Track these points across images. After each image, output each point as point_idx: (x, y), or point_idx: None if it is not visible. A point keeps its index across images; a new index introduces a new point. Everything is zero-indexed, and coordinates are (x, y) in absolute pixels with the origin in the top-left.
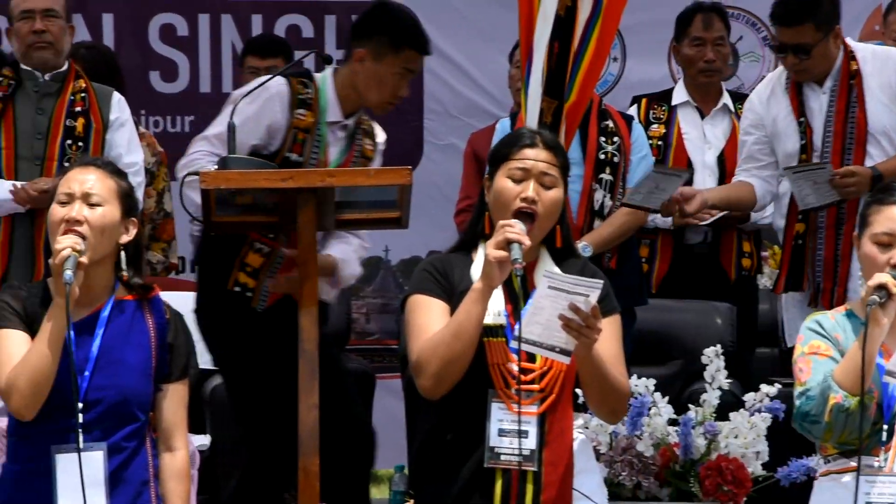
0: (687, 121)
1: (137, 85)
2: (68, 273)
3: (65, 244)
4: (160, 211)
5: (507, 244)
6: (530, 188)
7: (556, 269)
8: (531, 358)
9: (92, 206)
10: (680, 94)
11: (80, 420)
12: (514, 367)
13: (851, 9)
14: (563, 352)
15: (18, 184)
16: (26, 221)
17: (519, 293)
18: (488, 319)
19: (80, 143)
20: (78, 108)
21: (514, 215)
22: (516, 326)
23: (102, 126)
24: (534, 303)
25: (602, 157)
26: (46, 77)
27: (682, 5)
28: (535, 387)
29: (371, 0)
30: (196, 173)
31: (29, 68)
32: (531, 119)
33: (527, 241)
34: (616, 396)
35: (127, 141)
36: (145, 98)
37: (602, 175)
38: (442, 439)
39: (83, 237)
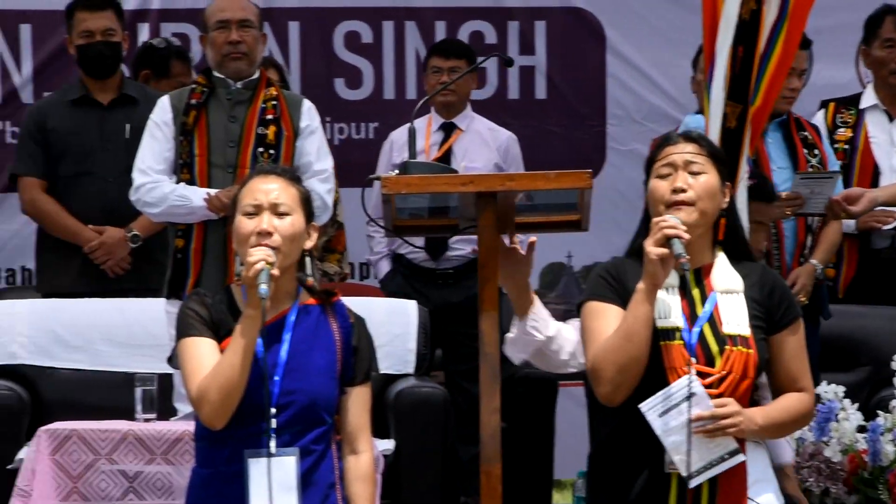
0: (875, 124)
1: (322, 92)
2: (264, 287)
3: (258, 257)
4: (333, 223)
5: (665, 240)
6: (679, 178)
7: (731, 275)
8: (710, 361)
9: (280, 215)
10: (869, 98)
11: (273, 425)
12: (693, 371)
13: None
14: (731, 453)
15: (212, 191)
16: (219, 227)
17: (693, 291)
18: (663, 322)
19: (272, 151)
20: (269, 116)
21: (669, 209)
22: (694, 330)
23: (293, 133)
24: (666, 443)
25: (809, 170)
26: (238, 85)
27: (870, 8)
28: (715, 391)
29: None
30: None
31: (221, 76)
32: (714, 123)
33: (685, 235)
34: (802, 423)
35: (317, 148)
36: (330, 105)
37: None
38: (618, 445)
39: (275, 248)
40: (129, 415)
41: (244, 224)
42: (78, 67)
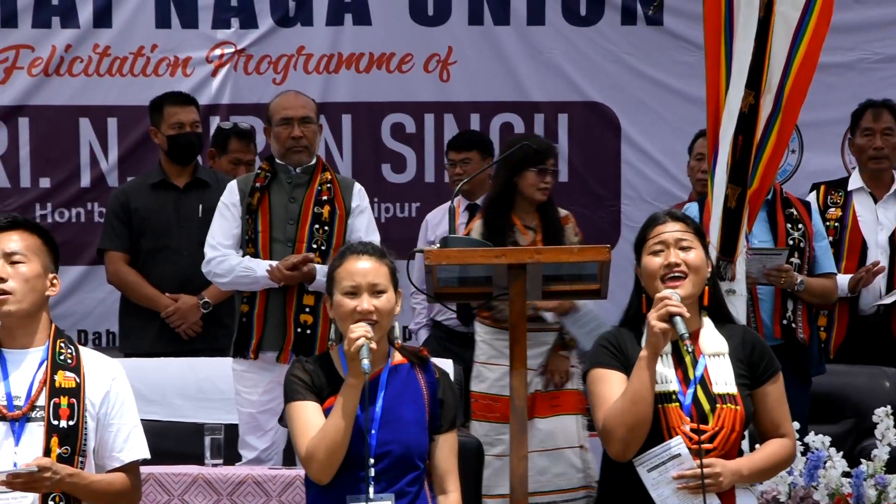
0: (861, 205)
1: (371, 176)
2: (366, 363)
3: (358, 333)
4: None
5: (668, 316)
6: (671, 255)
7: (717, 339)
8: (703, 419)
9: (377, 293)
10: (855, 181)
11: (372, 473)
12: (688, 429)
13: None
14: None
15: (273, 263)
16: (279, 295)
17: (687, 358)
18: (661, 387)
19: (326, 228)
20: (324, 197)
21: (665, 282)
22: (688, 392)
23: (345, 212)
24: (653, 495)
25: (791, 242)
26: (298, 170)
27: (855, 104)
28: (709, 445)
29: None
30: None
31: (283, 163)
32: (717, 203)
33: (686, 313)
34: (785, 466)
35: (366, 225)
36: (377, 187)
37: (792, 259)
38: (622, 492)
39: (375, 322)
40: (199, 460)
41: (346, 303)
42: (162, 154)
